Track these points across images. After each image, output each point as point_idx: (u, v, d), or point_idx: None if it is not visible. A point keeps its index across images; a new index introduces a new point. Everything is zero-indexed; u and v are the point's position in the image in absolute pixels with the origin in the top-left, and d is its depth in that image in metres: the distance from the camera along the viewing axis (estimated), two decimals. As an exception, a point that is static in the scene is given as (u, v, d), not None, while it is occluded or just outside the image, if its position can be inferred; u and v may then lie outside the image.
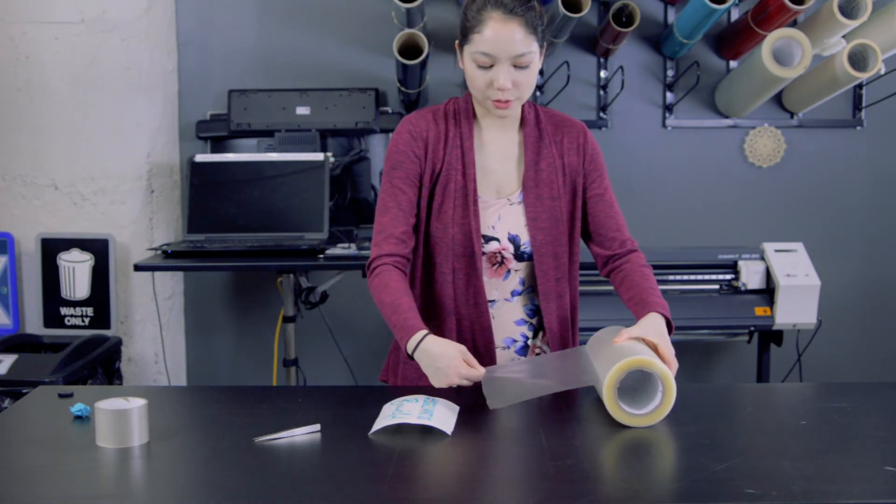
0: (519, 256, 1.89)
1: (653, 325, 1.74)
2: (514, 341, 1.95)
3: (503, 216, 1.88)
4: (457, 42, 1.83)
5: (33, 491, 1.36)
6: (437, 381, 1.71)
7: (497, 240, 1.88)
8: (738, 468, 1.40)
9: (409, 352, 1.74)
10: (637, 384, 1.67)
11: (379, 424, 1.58)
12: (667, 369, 1.60)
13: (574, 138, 1.92)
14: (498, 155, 1.90)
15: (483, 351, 1.90)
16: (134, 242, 3.44)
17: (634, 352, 1.63)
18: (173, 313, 3.64)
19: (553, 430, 1.60)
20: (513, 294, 1.93)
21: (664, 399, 1.60)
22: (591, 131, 1.98)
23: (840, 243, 3.70)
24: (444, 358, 1.70)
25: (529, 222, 1.87)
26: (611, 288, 3.30)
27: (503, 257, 1.89)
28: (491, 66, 1.76)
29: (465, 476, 1.44)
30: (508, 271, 1.90)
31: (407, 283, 1.86)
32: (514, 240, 1.88)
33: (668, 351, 1.69)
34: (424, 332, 1.74)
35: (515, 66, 1.76)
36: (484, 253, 1.87)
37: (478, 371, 1.69)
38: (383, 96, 3.58)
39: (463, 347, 1.72)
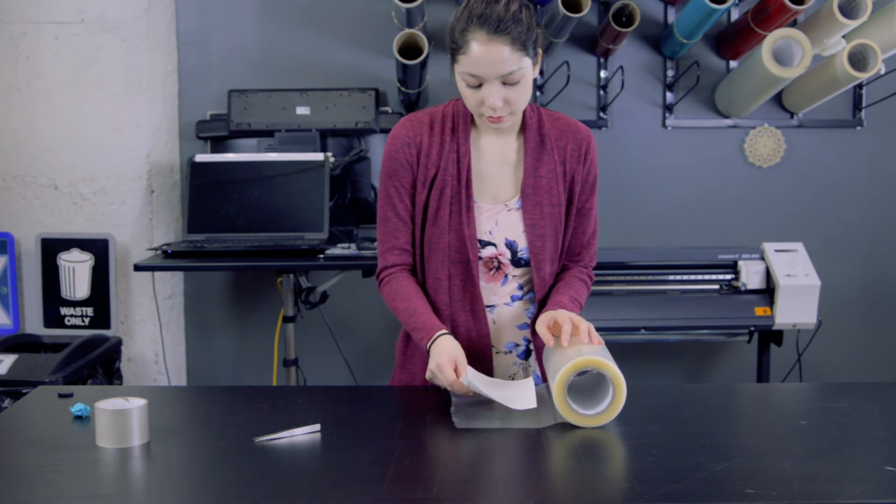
0: (516, 262, 1.87)
1: (548, 315, 1.77)
2: (517, 345, 1.93)
3: (500, 221, 1.86)
4: (450, 54, 1.81)
5: (33, 491, 1.36)
6: (427, 371, 1.76)
7: (494, 245, 1.86)
8: (738, 468, 1.40)
9: (427, 348, 1.79)
10: (591, 384, 1.68)
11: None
12: (616, 369, 1.60)
13: (578, 145, 1.89)
14: (495, 160, 1.88)
15: (479, 357, 1.88)
16: (134, 242, 3.44)
17: (586, 352, 1.64)
18: (173, 313, 3.64)
19: (553, 431, 1.60)
20: (512, 299, 1.91)
21: (614, 397, 1.60)
22: (594, 137, 1.95)
23: (840, 243, 3.70)
24: (440, 352, 1.74)
25: (528, 229, 1.85)
26: (612, 288, 3.37)
27: (500, 262, 1.87)
28: (480, 85, 1.74)
29: (465, 476, 1.44)
30: (506, 276, 1.89)
31: (417, 285, 1.89)
32: (511, 245, 1.87)
33: (570, 324, 1.70)
34: (444, 331, 1.79)
35: (506, 84, 1.73)
36: (480, 258, 1.86)
37: (448, 378, 1.70)
38: (383, 96, 3.58)
39: (462, 357, 1.74)
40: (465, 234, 1.83)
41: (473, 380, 1.70)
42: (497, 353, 1.92)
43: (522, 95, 1.76)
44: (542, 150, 1.87)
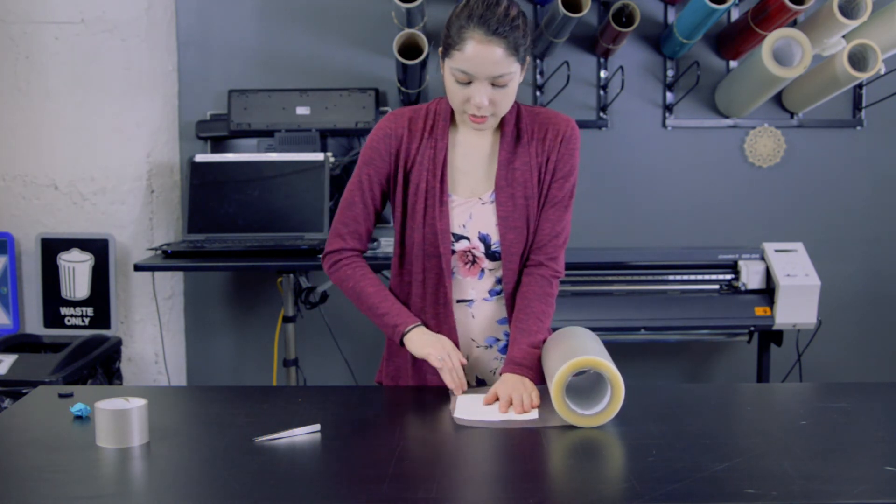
0: (491, 256, 1.89)
1: (508, 383, 1.78)
2: (497, 340, 1.95)
3: (474, 215, 1.88)
4: (440, 49, 1.82)
5: (33, 491, 1.36)
6: (436, 349, 1.82)
7: (467, 238, 1.88)
8: (738, 468, 1.40)
9: (403, 335, 1.86)
10: (590, 384, 1.68)
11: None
12: (614, 368, 1.61)
13: (556, 133, 1.88)
14: (472, 155, 1.90)
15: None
16: (134, 242, 3.44)
17: (583, 352, 1.64)
18: (173, 313, 3.64)
19: (553, 431, 1.60)
20: (491, 293, 1.92)
21: (612, 397, 1.61)
22: (584, 130, 1.94)
23: (840, 243, 3.70)
24: (440, 339, 1.85)
25: (500, 221, 1.86)
26: (612, 288, 3.37)
27: (474, 256, 1.89)
28: (469, 83, 1.76)
29: (465, 476, 1.44)
30: (482, 271, 1.90)
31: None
32: (484, 239, 1.88)
33: (517, 397, 1.72)
34: (419, 323, 1.88)
35: (494, 85, 1.76)
36: (454, 251, 1.88)
37: (458, 362, 1.82)
38: (383, 96, 3.58)
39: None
40: (438, 228, 1.85)
41: (476, 414, 1.69)
42: (478, 347, 1.94)
43: (507, 98, 1.79)
44: (519, 144, 1.89)
